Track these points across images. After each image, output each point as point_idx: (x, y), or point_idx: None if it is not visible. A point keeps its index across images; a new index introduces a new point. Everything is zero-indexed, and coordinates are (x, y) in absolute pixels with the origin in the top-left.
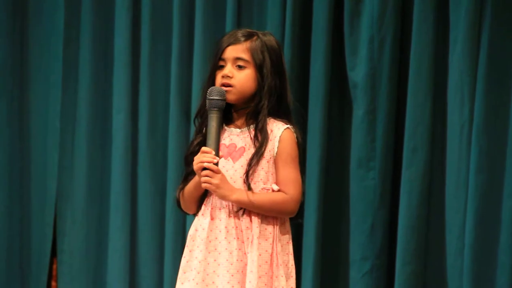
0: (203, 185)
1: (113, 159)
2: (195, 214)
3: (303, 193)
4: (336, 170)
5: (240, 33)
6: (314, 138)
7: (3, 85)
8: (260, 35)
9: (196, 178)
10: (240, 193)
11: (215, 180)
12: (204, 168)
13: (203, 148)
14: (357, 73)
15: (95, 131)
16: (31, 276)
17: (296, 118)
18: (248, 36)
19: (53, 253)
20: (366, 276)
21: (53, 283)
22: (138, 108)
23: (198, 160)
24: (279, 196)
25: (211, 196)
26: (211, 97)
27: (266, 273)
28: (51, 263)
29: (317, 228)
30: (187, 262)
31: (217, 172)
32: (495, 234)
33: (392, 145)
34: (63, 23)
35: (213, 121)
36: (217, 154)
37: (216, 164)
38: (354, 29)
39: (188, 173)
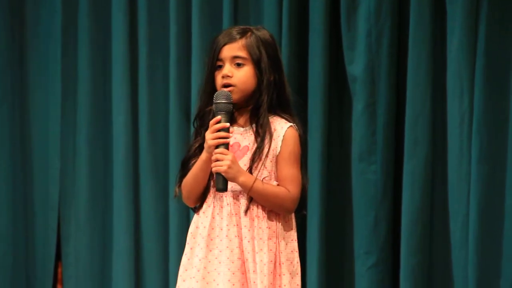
0: (214, 169)
1: (115, 161)
2: (195, 210)
3: (307, 187)
4: (338, 165)
5: (234, 31)
6: (315, 134)
7: (3, 93)
8: (254, 31)
9: (202, 156)
10: (248, 177)
11: (226, 161)
12: (218, 146)
13: (212, 121)
14: (356, 67)
15: (95, 135)
16: (37, 281)
17: (296, 109)
18: (243, 33)
19: (58, 257)
20: (371, 269)
21: (59, 286)
22: (138, 110)
23: (214, 135)
24: (282, 191)
25: (213, 195)
26: (218, 101)
27: (271, 272)
28: (56, 267)
29: (321, 224)
30: (188, 259)
31: (226, 153)
32: (499, 224)
33: (393, 138)
34: (60, 29)
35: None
36: None
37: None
38: (351, 23)
39: (188, 159)
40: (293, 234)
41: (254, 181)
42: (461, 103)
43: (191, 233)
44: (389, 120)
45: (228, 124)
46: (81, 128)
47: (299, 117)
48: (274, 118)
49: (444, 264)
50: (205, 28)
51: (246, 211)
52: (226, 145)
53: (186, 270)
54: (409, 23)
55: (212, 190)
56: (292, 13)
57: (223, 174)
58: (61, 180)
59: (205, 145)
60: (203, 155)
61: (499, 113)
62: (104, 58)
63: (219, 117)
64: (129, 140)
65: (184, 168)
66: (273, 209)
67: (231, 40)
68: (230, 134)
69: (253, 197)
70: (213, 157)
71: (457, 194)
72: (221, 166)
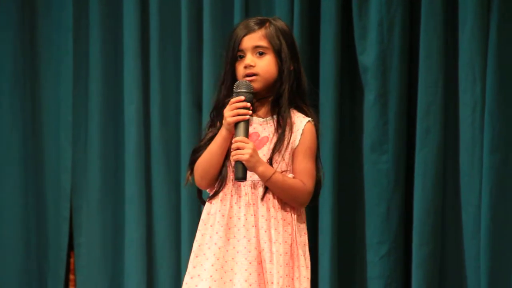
0: (235, 157)
1: (126, 150)
2: (202, 200)
3: (322, 181)
4: (349, 155)
5: (252, 22)
6: (326, 124)
7: (15, 81)
8: (272, 21)
9: (222, 132)
10: (267, 167)
11: (248, 149)
12: (237, 125)
13: (232, 100)
14: (367, 57)
15: (107, 124)
16: (49, 270)
17: (311, 99)
18: (261, 24)
19: (70, 247)
20: (383, 259)
21: (71, 276)
22: (149, 99)
23: (234, 112)
24: (298, 183)
25: (230, 183)
26: (239, 91)
27: (287, 264)
28: (69, 257)
29: (333, 214)
30: (199, 246)
31: (247, 141)
32: (511, 213)
33: (405, 128)
34: (72, 17)
35: None
36: None
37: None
38: (362, 12)
39: (200, 147)
40: (305, 227)
41: (274, 173)
42: (473, 92)
43: (202, 220)
44: (401, 110)
45: (248, 104)
46: (92, 117)
47: (314, 108)
48: (293, 111)
49: (456, 254)
50: (216, 18)
51: (262, 198)
52: (246, 124)
53: (196, 256)
54: (421, 12)
55: (229, 178)
56: (303, 3)
57: (245, 162)
58: (73, 169)
59: (224, 122)
60: (223, 131)
61: None
62: (116, 47)
63: (241, 97)
64: (141, 129)
65: (195, 155)
66: (288, 201)
67: (251, 30)
68: (250, 111)
69: (270, 188)
70: (234, 146)
71: (469, 183)
72: (243, 154)
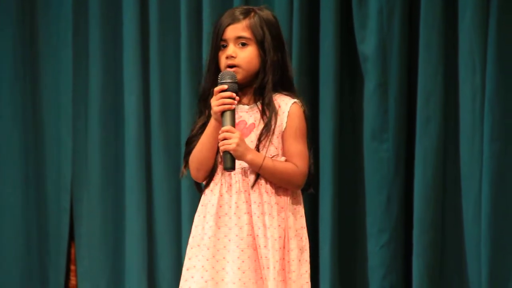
0: (222, 147)
1: (127, 141)
2: (201, 190)
3: (316, 165)
4: (350, 144)
5: (237, 11)
6: (327, 113)
7: (15, 74)
8: (258, 11)
9: (212, 123)
10: (256, 155)
11: (234, 139)
12: (223, 113)
13: (217, 89)
14: (367, 46)
15: (107, 114)
16: (50, 261)
17: (305, 94)
18: (246, 14)
19: (71, 237)
20: (384, 248)
21: (72, 267)
22: (149, 89)
23: (220, 101)
24: (290, 166)
25: (220, 173)
26: (223, 81)
27: (280, 248)
28: (69, 247)
29: (333, 202)
30: (193, 237)
31: (234, 131)
32: (511, 201)
33: (405, 116)
34: (71, 9)
35: None
36: None
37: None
38: (362, 1)
39: (191, 138)
40: (301, 209)
41: (264, 159)
42: (473, 80)
43: (197, 212)
44: (401, 99)
45: (234, 94)
46: (93, 108)
47: (303, 97)
48: (277, 95)
49: (456, 241)
50: (216, 8)
51: (253, 186)
52: (232, 114)
53: (191, 248)
54: (420, 1)
55: (219, 168)
56: None
57: (232, 152)
58: (73, 160)
59: (212, 112)
60: (212, 122)
61: None
62: (115, 38)
63: (224, 86)
64: (141, 119)
65: (188, 147)
66: (282, 185)
67: (235, 20)
68: (235, 101)
69: (262, 174)
70: (220, 136)
71: (470, 171)
72: (229, 144)
